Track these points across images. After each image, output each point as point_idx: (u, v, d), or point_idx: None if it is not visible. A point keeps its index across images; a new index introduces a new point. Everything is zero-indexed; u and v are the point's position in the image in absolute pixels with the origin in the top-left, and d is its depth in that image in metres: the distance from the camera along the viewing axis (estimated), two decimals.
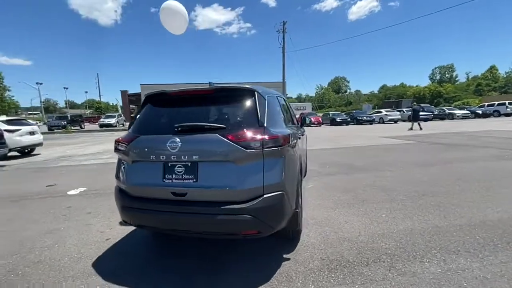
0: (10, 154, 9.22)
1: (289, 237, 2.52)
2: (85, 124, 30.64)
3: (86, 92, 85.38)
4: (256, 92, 2.20)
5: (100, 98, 66.65)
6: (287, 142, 2.17)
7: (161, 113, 2.30)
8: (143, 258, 2.48)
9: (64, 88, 64.87)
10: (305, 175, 5.20)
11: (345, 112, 31.63)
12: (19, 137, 9.37)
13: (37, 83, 51.38)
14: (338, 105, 79.57)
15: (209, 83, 2.41)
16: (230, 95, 2.22)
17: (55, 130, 25.30)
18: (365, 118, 24.77)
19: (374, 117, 25.18)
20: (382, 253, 2.36)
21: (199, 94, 2.24)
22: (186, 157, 1.97)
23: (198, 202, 1.96)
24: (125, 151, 2.18)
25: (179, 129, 2.03)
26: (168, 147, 1.98)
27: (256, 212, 1.89)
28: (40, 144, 10.56)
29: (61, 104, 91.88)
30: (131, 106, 42.72)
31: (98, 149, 11.33)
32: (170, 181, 2.01)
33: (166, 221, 2.04)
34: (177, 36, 4.65)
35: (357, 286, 1.94)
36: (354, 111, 31.24)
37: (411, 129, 15.36)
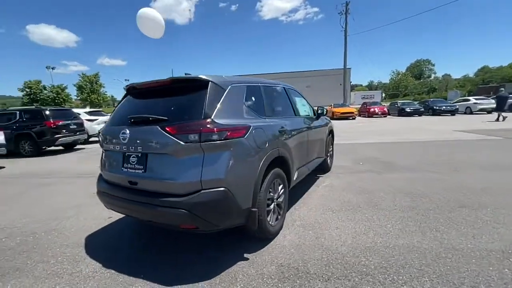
0: (91, 139, 11.40)
1: (255, 236, 2.37)
2: None
3: None
4: (210, 83, 2.09)
5: None
6: (238, 135, 2.01)
7: (129, 105, 2.43)
8: (126, 237, 2.74)
9: (125, 80, 75.61)
10: (327, 171, 4.77)
11: (421, 101, 27.05)
12: (97, 125, 11.44)
13: (125, 79, 61.16)
14: (418, 93, 68.99)
15: (185, 74, 2.43)
16: (184, 87, 2.17)
17: None
18: (444, 108, 20.71)
19: (457, 107, 20.81)
20: (354, 271, 1.99)
21: (158, 86, 2.26)
22: (135, 148, 2.04)
23: (146, 192, 2.02)
24: (99, 140, 2.42)
25: (132, 120, 2.12)
26: (121, 138, 2.09)
27: (192, 207, 1.83)
28: None
29: None
30: None
31: None
32: (126, 170, 2.13)
33: (124, 207, 2.18)
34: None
35: None
36: (431, 99, 26.42)
37: (497, 120, 12.29)
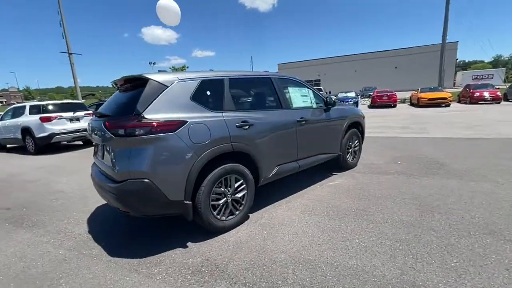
0: None
1: (202, 227, 2.45)
2: None
3: None
4: (149, 80, 2.22)
5: None
6: (167, 130, 2.10)
7: (110, 99, 2.81)
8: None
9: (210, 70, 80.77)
10: (347, 168, 4.25)
11: None
12: None
13: (210, 70, 67.54)
14: None
15: (158, 71, 2.67)
16: (133, 85, 2.38)
17: None
18: None
19: None
20: (268, 281, 1.84)
21: (121, 84, 2.54)
22: (97, 139, 2.41)
23: (104, 178, 2.38)
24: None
25: (97, 115, 2.49)
26: (89, 129, 2.50)
27: (119, 193, 2.08)
28: None
29: None
30: None
31: None
32: (96, 157, 2.55)
33: (99, 191, 2.58)
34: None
35: None
36: None
37: None
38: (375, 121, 10.52)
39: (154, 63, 52.25)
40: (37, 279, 2.02)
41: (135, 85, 2.37)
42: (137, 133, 2.04)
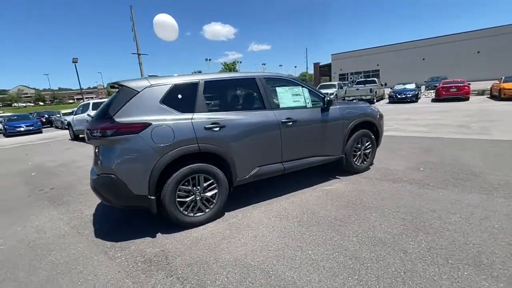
0: None
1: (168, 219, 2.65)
2: None
3: (295, 66, 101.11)
4: (122, 87, 2.49)
5: (307, 70, 76.20)
6: (131, 131, 2.34)
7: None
8: None
9: (279, 65, 79.93)
10: (354, 172, 3.94)
11: None
12: None
13: (262, 64, 67.64)
14: None
15: (149, 75, 2.97)
16: (116, 90, 2.68)
17: None
18: None
19: None
20: (193, 278, 1.93)
21: (113, 88, 2.88)
22: None
23: (93, 172, 2.79)
24: None
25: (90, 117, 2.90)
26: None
27: (94, 185, 2.45)
28: None
29: None
30: (322, 77, 45.17)
31: None
32: None
33: None
34: None
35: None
36: None
37: None
38: (430, 118, 9.18)
39: (209, 60, 55.71)
40: (38, 248, 2.55)
41: (117, 90, 2.69)
42: (106, 134, 2.34)
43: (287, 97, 3.33)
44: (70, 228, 2.93)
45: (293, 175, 4.03)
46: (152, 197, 2.45)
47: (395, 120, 9.32)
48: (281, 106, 3.24)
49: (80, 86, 26.57)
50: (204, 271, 2.02)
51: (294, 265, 2.00)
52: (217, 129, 2.69)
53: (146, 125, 2.40)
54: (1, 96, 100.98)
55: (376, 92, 17.86)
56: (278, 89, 3.30)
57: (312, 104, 3.50)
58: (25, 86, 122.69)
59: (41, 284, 2.00)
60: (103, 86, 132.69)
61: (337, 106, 3.67)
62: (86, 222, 3.04)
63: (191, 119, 2.61)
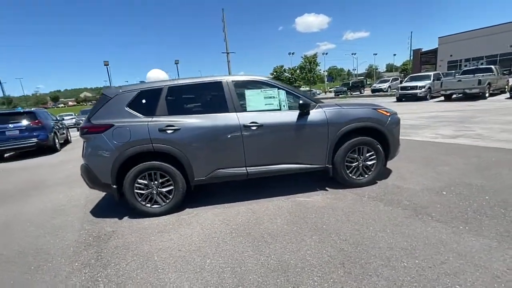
0: None
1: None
2: (365, 90, 33.52)
3: (394, 55, 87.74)
4: (102, 94, 3.03)
5: (410, 57, 64.28)
6: (97, 131, 2.86)
7: None
8: None
9: (373, 54, 70.91)
10: (350, 185, 3.45)
11: None
12: None
13: (352, 54, 62.27)
14: None
15: (140, 81, 3.54)
16: None
17: (340, 95, 31.17)
18: None
19: None
20: (99, 258, 2.26)
21: None
22: None
23: None
24: None
25: None
26: None
27: (80, 171, 3.10)
28: None
29: (383, 68, 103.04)
30: (424, 66, 37.71)
31: None
32: None
33: None
34: None
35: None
36: None
37: None
38: None
39: (293, 53, 55.52)
40: (64, 211, 3.48)
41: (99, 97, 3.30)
42: (83, 132, 2.95)
43: (257, 100, 3.21)
44: (84, 200, 3.83)
45: (281, 179, 3.86)
46: (114, 186, 2.94)
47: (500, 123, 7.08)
48: (248, 109, 3.16)
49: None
50: (125, 253, 2.34)
51: (183, 269, 2.06)
52: (171, 131, 2.93)
53: (108, 126, 2.89)
54: None
55: (489, 84, 13.33)
56: (248, 92, 3.21)
57: (289, 108, 3.24)
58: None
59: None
60: None
61: (323, 109, 3.24)
62: (94, 200, 3.86)
63: (149, 121, 2.94)
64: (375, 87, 27.72)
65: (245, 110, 3.14)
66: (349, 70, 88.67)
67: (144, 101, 3.06)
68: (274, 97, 3.24)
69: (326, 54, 63.68)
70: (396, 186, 3.37)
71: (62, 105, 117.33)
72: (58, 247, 2.59)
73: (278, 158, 3.21)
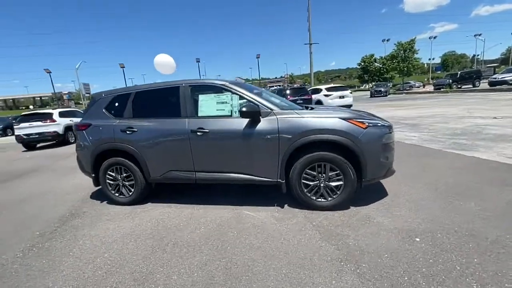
0: None
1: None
2: (480, 82, 25.70)
3: None
4: (92, 98, 3.64)
5: None
6: (82, 129, 3.48)
7: None
8: None
9: (476, 35, 51.80)
10: (306, 205, 3.12)
11: None
12: (330, 100, 13.18)
13: (475, 35, 49.25)
14: None
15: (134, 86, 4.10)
16: None
17: (441, 89, 25.38)
18: None
19: None
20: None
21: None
22: None
23: None
24: None
25: None
26: None
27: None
28: (348, 105, 13.58)
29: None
30: None
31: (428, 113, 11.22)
32: None
33: None
34: None
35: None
36: None
37: None
38: None
39: (388, 40, 48.45)
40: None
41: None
42: (76, 129, 3.65)
43: (209, 105, 3.14)
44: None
45: (256, 188, 3.64)
46: (93, 175, 3.55)
47: None
48: (199, 114, 3.14)
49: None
50: (74, 231, 2.87)
51: (96, 253, 2.36)
52: (130, 132, 3.26)
53: (88, 125, 3.47)
54: None
55: None
56: (201, 97, 3.18)
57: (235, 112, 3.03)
58: (239, 77, 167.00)
59: None
60: (290, 74, 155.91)
61: (276, 117, 2.88)
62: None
63: (116, 123, 3.36)
64: (495, 78, 21.12)
65: (196, 116, 3.14)
66: (474, 56, 69.69)
67: (116, 104, 3.50)
68: (226, 103, 3.09)
69: (435, 38, 51.99)
70: (367, 217, 2.68)
71: None
72: (47, 215, 3.39)
73: (226, 167, 3.09)
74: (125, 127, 3.30)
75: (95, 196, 4.00)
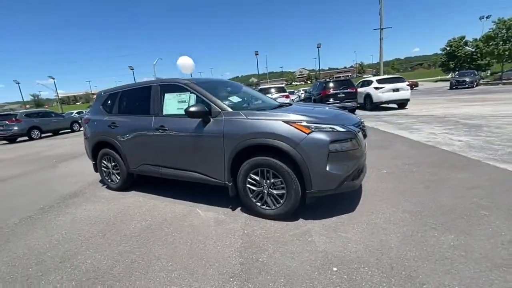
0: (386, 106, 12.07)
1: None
2: None
3: None
4: (96, 95, 4.22)
5: None
6: (86, 123, 4.09)
7: None
8: None
9: None
10: (249, 207, 3.06)
11: None
12: (380, 94, 11.64)
13: None
14: None
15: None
16: None
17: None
18: None
19: None
20: None
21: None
22: None
23: None
24: None
25: None
26: None
27: None
28: (403, 100, 11.74)
29: None
30: None
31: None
32: None
33: None
34: None
35: None
36: None
37: None
38: None
39: (487, 17, 38.88)
40: None
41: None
42: (83, 122, 4.31)
43: (172, 104, 3.26)
44: None
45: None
46: (93, 162, 4.16)
47: None
48: (164, 113, 3.29)
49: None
50: (58, 210, 3.48)
51: (57, 229, 2.86)
52: (113, 127, 3.68)
53: (88, 120, 4.06)
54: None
55: None
56: (167, 96, 3.32)
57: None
58: (303, 68, 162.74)
59: None
60: (359, 63, 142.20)
61: (223, 118, 2.79)
62: None
63: (105, 118, 3.83)
64: None
65: (161, 114, 3.31)
66: None
67: (109, 102, 3.97)
68: (185, 102, 3.16)
69: None
70: (304, 233, 2.40)
71: None
72: (61, 191, 4.17)
73: (184, 165, 3.17)
74: (111, 123, 3.74)
75: (103, 180, 4.68)
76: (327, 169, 2.39)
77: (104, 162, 4.03)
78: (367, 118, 9.96)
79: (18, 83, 43.62)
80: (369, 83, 12.70)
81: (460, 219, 2.37)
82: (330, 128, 2.44)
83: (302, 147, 2.37)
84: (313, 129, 2.40)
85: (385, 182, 3.44)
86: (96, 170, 4.23)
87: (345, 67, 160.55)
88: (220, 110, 2.86)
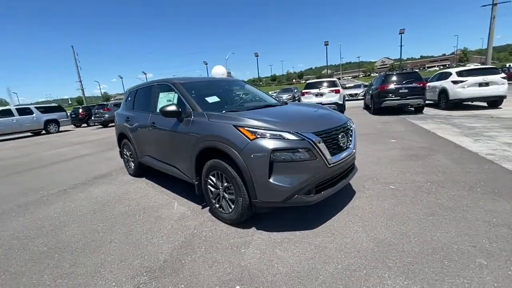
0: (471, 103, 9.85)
1: None
2: None
3: None
4: (125, 92, 4.87)
5: None
6: (115, 117, 4.80)
7: None
8: None
9: None
10: (214, 209, 3.12)
11: None
12: (460, 89, 9.40)
13: None
14: None
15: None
16: None
17: None
18: None
19: None
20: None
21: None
22: None
23: None
24: None
25: None
26: None
27: None
28: (495, 97, 9.20)
29: None
30: None
31: None
32: None
33: None
34: None
35: None
36: None
37: None
38: None
39: None
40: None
41: None
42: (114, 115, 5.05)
43: (163, 102, 3.50)
44: None
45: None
46: (119, 150, 4.88)
47: None
48: (157, 110, 3.57)
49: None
50: (65, 196, 4.27)
51: (55, 215, 3.55)
52: (128, 121, 4.22)
53: (117, 113, 4.74)
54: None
55: None
56: (161, 95, 3.57)
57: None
58: (386, 58, 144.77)
59: None
60: (462, 50, 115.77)
61: (191, 119, 2.86)
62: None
63: (125, 113, 4.41)
64: None
65: (155, 111, 3.61)
66: None
67: (129, 98, 4.54)
68: (170, 100, 3.35)
69: None
70: (248, 244, 2.28)
71: None
72: (94, 172, 5.06)
73: (169, 160, 3.40)
74: (127, 117, 4.30)
75: None
76: (271, 180, 2.17)
77: (124, 150, 4.68)
78: (433, 119, 8.26)
79: (122, 77, 54.02)
80: (446, 75, 10.41)
81: (435, 265, 1.80)
82: (279, 135, 2.19)
83: (245, 153, 2.23)
84: (257, 135, 2.21)
85: (382, 201, 2.87)
86: (121, 156, 4.96)
87: (444, 54, 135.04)
88: (191, 110, 2.93)
